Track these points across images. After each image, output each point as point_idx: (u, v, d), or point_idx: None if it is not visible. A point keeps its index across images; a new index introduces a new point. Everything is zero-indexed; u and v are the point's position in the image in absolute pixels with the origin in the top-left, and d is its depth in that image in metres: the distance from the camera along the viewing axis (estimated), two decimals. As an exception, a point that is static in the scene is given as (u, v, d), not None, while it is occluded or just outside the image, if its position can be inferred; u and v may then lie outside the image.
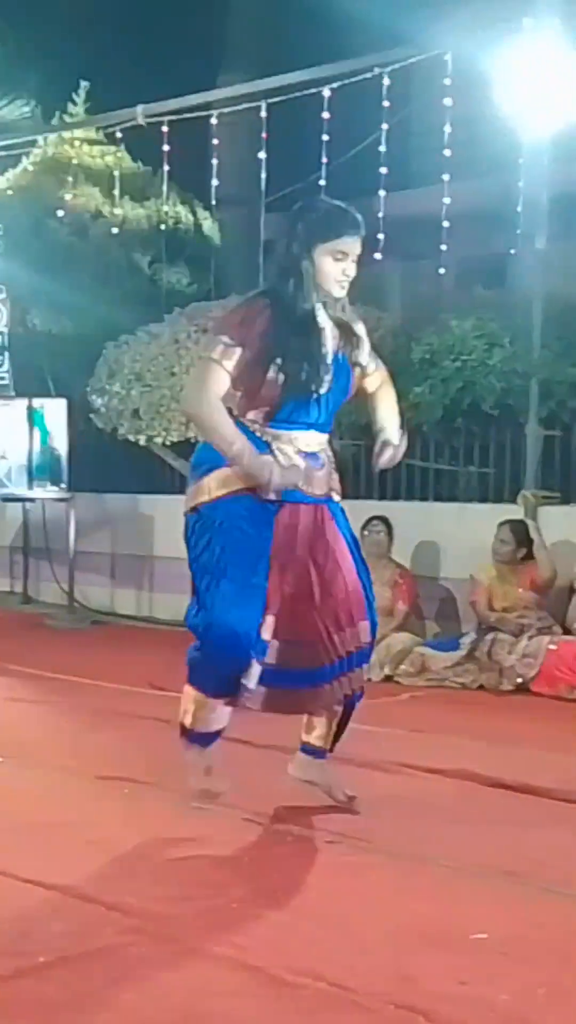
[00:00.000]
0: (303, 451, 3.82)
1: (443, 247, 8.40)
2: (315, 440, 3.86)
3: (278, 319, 3.73)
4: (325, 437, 3.92)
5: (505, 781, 4.59)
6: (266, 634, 3.81)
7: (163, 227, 9.12)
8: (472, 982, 2.76)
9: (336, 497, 3.97)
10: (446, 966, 2.85)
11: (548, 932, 3.07)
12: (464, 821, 4.17)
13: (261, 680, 3.83)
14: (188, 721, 3.94)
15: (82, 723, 5.71)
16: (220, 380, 3.73)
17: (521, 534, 7.24)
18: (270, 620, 3.81)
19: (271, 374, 3.72)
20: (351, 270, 3.78)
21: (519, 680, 6.80)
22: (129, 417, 9.05)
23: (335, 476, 3.97)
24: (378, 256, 8.50)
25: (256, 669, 3.79)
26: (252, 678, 3.79)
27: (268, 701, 3.92)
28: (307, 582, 3.86)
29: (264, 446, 3.77)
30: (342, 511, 4.00)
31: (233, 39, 11.96)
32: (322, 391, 3.78)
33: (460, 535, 7.89)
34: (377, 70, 7.93)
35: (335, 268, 3.74)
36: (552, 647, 6.79)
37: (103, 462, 9.88)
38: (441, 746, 5.31)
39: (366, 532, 7.65)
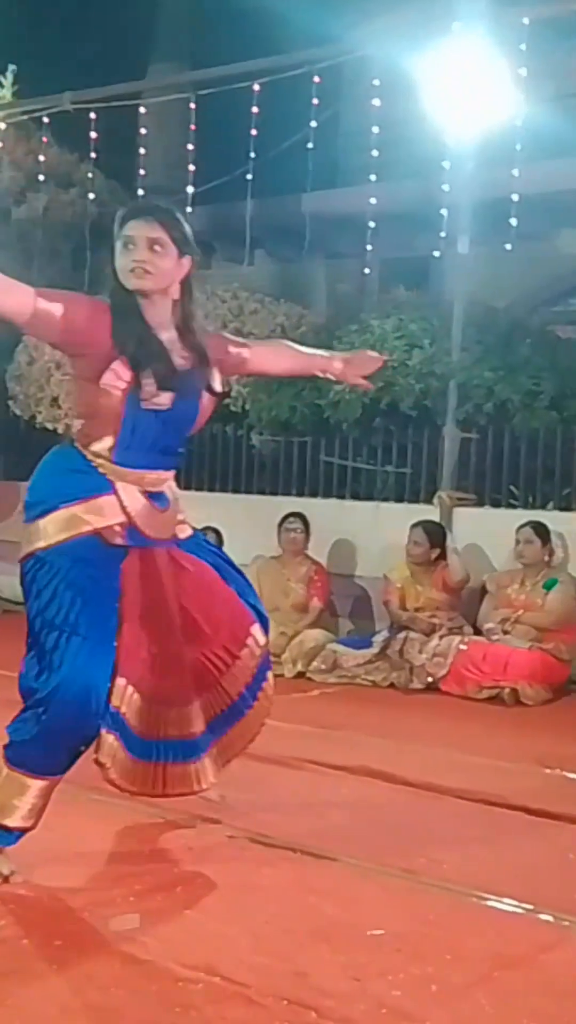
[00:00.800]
0: (149, 491, 3.48)
1: (368, 247, 8.43)
2: (162, 479, 3.53)
3: (114, 321, 3.36)
4: (171, 475, 3.60)
5: (409, 779, 4.63)
6: (115, 700, 3.42)
7: (88, 214, 9.03)
8: (365, 978, 2.78)
9: (182, 534, 3.66)
10: (340, 962, 2.87)
11: (442, 929, 3.10)
12: (365, 818, 4.19)
13: (129, 751, 3.51)
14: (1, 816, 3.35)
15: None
16: (71, 299, 3.35)
17: (435, 535, 7.29)
18: (120, 684, 3.43)
19: (107, 378, 3.33)
20: (140, 255, 3.35)
21: (429, 679, 6.86)
22: (47, 405, 8.97)
23: (180, 514, 3.66)
24: (302, 253, 8.58)
25: (110, 739, 3.42)
26: (104, 750, 3.42)
27: (132, 777, 3.58)
28: (191, 626, 3.60)
29: (107, 484, 3.41)
30: (196, 544, 3.72)
31: (165, 30, 11.89)
32: (151, 404, 3.38)
33: (375, 534, 7.93)
34: (307, 67, 7.93)
35: (123, 259, 3.36)
36: (462, 647, 6.85)
37: (20, 450, 9.77)
38: (348, 743, 5.33)
39: (283, 528, 7.67)
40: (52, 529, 3.35)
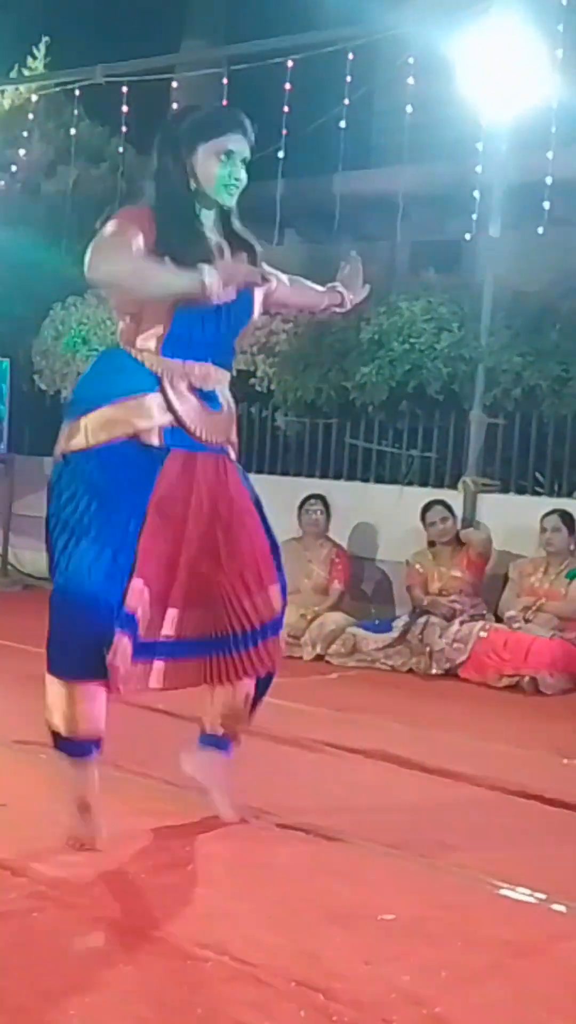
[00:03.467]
0: (198, 388, 3.37)
1: (399, 228, 8.36)
2: (213, 376, 3.41)
3: (163, 225, 3.28)
4: (225, 376, 3.48)
5: (426, 765, 4.60)
6: (132, 602, 3.26)
7: (118, 190, 8.99)
8: (375, 961, 2.75)
9: (232, 452, 3.55)
10: (351, 945, 2.84)
11: (454, 914, 3.06)
12: (381, 802, 4.17)
13: (155, 653, 3.39)
14: (57, 722, 3.32)
15: (3, 687, 5.64)
16: (134, 233, 3.22)
17: (453, 509, 7.30)
18: (137, 586, 3.26)
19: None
20: (239, 174, 3.34)
21: (448, 665, 6.82)
22: (73, 380, 8.94)
23: (234, 427, 3.55)
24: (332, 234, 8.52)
25: (124, 643, 3.25)
26: (120, 654, 3.24)
27: (168, 677, 3.45)
28: (209, 540, 3.40)
29: (154, 381, 3.31)
30: (240, 468, 3.59)
31: (199, 4, 11.82)
32: (217, 300, 3.25)
33: (398, 518, 7.89)
34: (342, 45, 7.85)
35: (221, 171, 3.31)
36: (483, 634, 6.81)
37: (44, 424, 9.75)
38: (365, 727, 5.30)
39: (304, 510, 7.64)
40: (91, 429, 3.26)
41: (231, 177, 3.33)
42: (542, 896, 3.23)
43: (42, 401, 9.54)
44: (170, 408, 3.32)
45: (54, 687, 3.31)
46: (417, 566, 7.33)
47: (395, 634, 7.06)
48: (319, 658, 7.11)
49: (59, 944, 2.76)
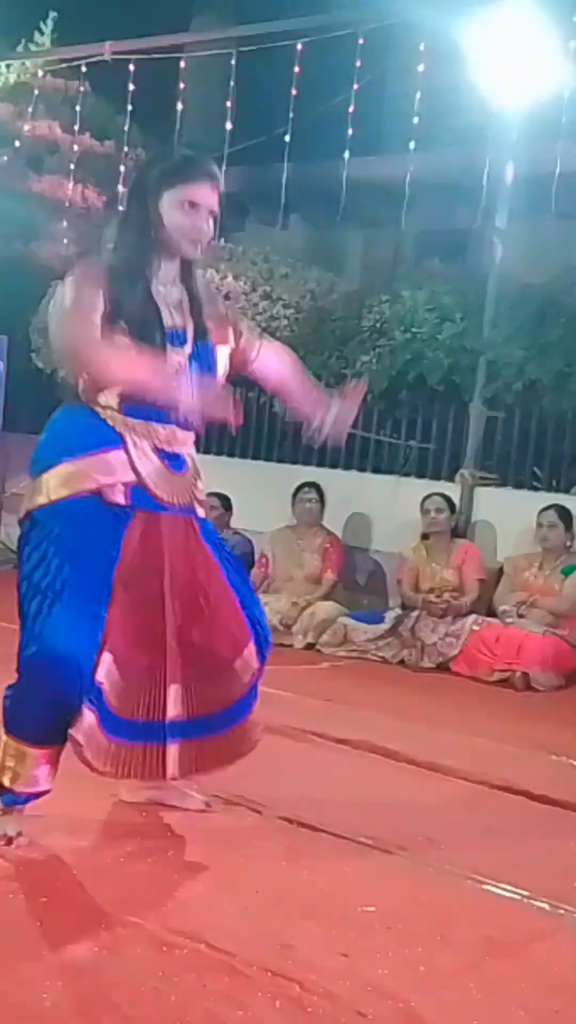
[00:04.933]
0: (162, 449, 3.27)
1: (404, 216, 8.29)
2: (178, 438, 3.31)
3: (116, 287, 3.18)
4: (189, 437, 3.37)
5: (413, 758, 4.56)
6: (100, 675, 3.16)
7: (122, 168, 8.92)
8: (352, 955, 2.71)
9: (201, 511, 3.42)
10: (329, 937, 2.81)
11: (435, 911, 3.02)
12: (365, 795, 4.13)
13: (163, 736, 3.31)
14: (9, 780, 3.21)
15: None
16: (93, 302, 3.13)
17: (452, 503, 7.24)
18: (107, 659, 3.17)
19: (120, 336, 3.15)
20: (203, 225, 3.25)
21: (440, 659, 6.78)
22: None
23: (200, 486, 3.44)
24: (338, 219, 8.45)
25: (89, 717, 3.15)
26: (82, 727, 3.15)
27: (184, 761, 3.36)
28: (194, 609, 3.33)
29: (117, 438, 3.21)
30: (209, 526, 3.47)
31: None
32: (183, 416, 3.19)
33: (394, 509, 7.84)
34: (352, 28, 7.78)
35: (184, 220, 3.21)
36: (476, 628, 6.77)
37: (40, 403, 9.67)
38: (353, 718, 5.25)
39: (297, 498, 7.59)
40: (53, 484, 3.17)
41: (194, 229, 3.24)
42: (524, 894, 3.19)
43: (39, 379, 9.46)
44: (133, 467, 3.23)
45: (12, 747, 3.21)
46: (409, 560, 7.28)
47: (387, 626, 7.01)
48: (310, 647, 7.06)
49: (32, 929, 2.72)
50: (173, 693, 3.32)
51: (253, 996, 2.47)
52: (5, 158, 9.83)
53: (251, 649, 3.43)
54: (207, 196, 3.25)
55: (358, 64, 7.89)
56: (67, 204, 9.30)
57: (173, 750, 3.34)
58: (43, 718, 3.16)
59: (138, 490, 3.24)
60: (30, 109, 9.66)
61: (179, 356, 3.27)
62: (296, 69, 8.04)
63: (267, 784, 3.94)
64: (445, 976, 2.65)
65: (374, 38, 7.97)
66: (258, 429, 8.82)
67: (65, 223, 9.53)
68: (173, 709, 3.32)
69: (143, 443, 3.25)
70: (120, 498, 3.22)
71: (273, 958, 2.64)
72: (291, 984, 2.52)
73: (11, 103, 10.08)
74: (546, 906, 3.13)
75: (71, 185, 9.30)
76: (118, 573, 3.19)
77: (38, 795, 3.27)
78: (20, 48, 10.56)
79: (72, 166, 9.47)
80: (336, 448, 8.39)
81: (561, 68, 7.26)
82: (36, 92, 9.66)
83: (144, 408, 3.23)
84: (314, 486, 7.64)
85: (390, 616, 7.09)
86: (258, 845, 3.41)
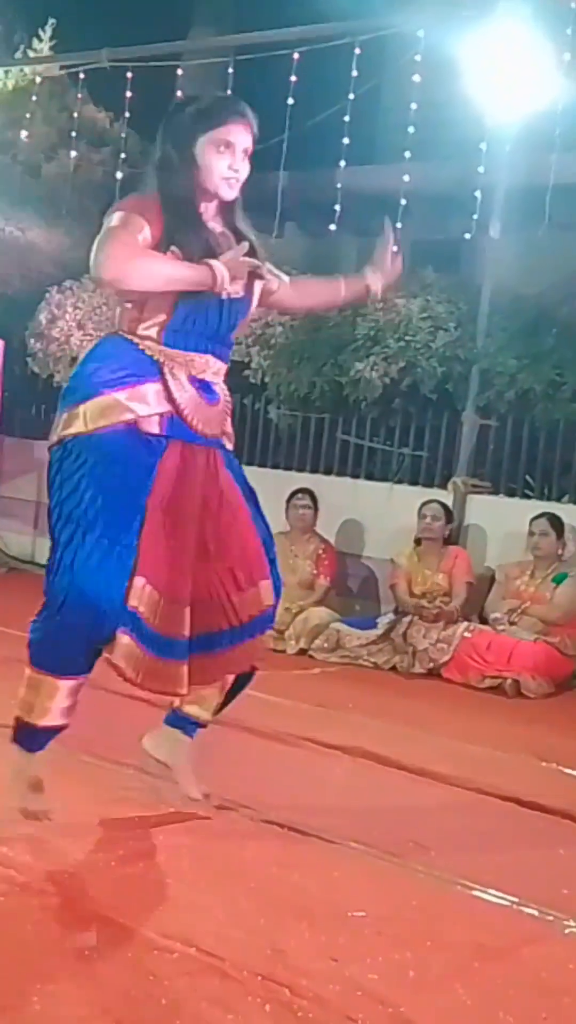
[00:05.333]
0: (197, 378, 3.34)
1: (399, 225, 8.32)
2: (211, 368, 3.38)
3: (168, 215, 3.24)
4: (223, 367, 3.44)
5: (404, 763, 4.59)
6: (133, 600, 3.23)
7: (119, 174, 8.95)
8: (342, 959, 2.74)
9: (228, 443, 3.50)
10: (319, 942, 2.83)
11: (425, 916, 3.05)
12: (356, 800, 4.17)
13: (181, 654, 3.35)
14: (25, 712, 3.30)
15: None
16: (140, 225, 3.17)
17: (448, 512, 7.29)
18: (139, 584, 3.24)
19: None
20: (239, 166, 3.32)
21: (431, 665, 6.81)
22: (67, 364, 8.91)
23: (228, 419, 3.50)
24: (333, 228, 8.47)
25: (124, 640, 3.24)
26: (120, 651, 3.24)
27: (149, 674, 3.33)
28: (198, 535, 3.36)
29: (155, 369, 3.27)
30: (234, 459, 3.53)
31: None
32: (225, 295, 3.27)
33: (387, 515, 7.88)
34: (349, 39, 7.81)
35: (219, 162, 3.28)
36: (467, 635, 6.80)
37: (36, 408, 9.73)
38: (345, 724, 5.28)
39: (291, 504, 7.62)
40: (89, 415, 3.20)
41: (229, 169, 3.30)
42: (513, 900, 3.22)
43: (35, 384, 9.51)
44: (169, 398, 3.28)
45: (36, 680, 3.29)
46: (402, 565, 7.32)
47: (379, 631, 7.05)
48: (302, 652, 7.09)
49: (23, 931, 2.74)
50: (186, 615, 3.37)
51: (243, 1000, 2.49)
52: (3, 164, 9.84)
53: (268, 584, 3.49)
54: (240, 135, 3.30)
55: (354, 74, 7.91)
56: (64, 210, 9.32)
57: (184, 669, 3.38)
58: (71, 648, 3.23)
59: (174, 420, 3.30)
60: (28, 116, 9.68)
61: (236, 286, 3.33)
62: (293, 78, 8.06)
63: (259, 789, 3.98)
64: (435, 981, 2.68)
65: (370, 48, 7.99)
66: (252, 435, 8.86)
67: (62, 229, 9.55)
68: (184, 628, 3.37)
69: (180, 373, 3.31)
70: (156, 428, 3.27)
71: (263, 962, 2.67)
72: (281, 988, 2.55)
73: (9, 110, 10.09)
74: (535, 912, 3.16)
75: (68, 191, 9.32)
76: (150, 501, 3.26)
77: (56, 730, 3.32)
78: (18, 55, 10.58)
79: (70, 172, 9.50)
80: (330, 455, 8.48)
81: (555, 80, 7.29)
82: (34, 99, 9.68)
83: (182, 336, 3.30)
84: (307, 492, 7.68)
85: (382, 622, 7.12)
86: (249, 849, 3.44)
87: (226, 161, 3.29)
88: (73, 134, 9.51)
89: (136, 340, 3.29)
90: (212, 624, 3.41)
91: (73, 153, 9.55)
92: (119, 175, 9.01)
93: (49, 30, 10.58)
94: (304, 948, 2.78)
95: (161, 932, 2.76)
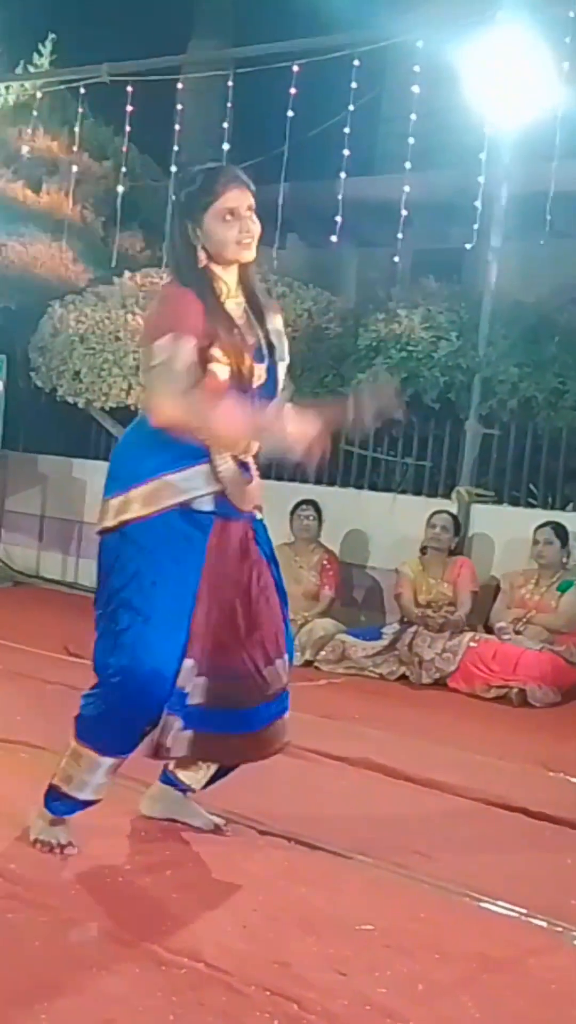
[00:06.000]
0: (239, 459, 3.41)
1: (400, 235, 8.35)
2: (251, 447, 3.45)
3: (208, 316, 3.30)
4: (256, 446, 3.48)
5: (410, 774, 4.57)
6: (182, 681, 3.32)
7: (120, 188, 8.97)
8: (350, 972, 2.73)
9: (259, 514, 3.56)
10: (326, 955, 2.82)
11: (432, 928, 3.05)
12: (363, 811, 4.15)
13: (185, 725, 3.40)
14: (64, 782, 3.36)
15: (-10, 683, 5.62)
16: (188, 358, 3.24)
17: (456, 524, 7.28)
18: (188, 665, 3.33)
19: (211, 365, 3.28)
20: (249, 226, 3.34)
21: (437, 675, 6.79)
22: (69, 378, 8.92)
23: (260, 492, 3.56)
24: (334, 239, 8.49)
25: (171, 721, 3.34)
26: (168, 732, 3.35)
27: (195, 746, 3.42)
28: (235, 610, 3.44)
29: (203, 454, 3.31)
30: (264, 528, 3.59)
31: (207, 5, 11.82)
32: (255, 383, 3.37)
33: (391, 525, 7.87)
34: (348, 50, 7.84)
35: (229, 231, 3.31)
36: (472, 644, 6.79)
37: (39, 422, 9.74)
38: (351, 735, 5.28)
39: (295, 516, 7.62)
40: (144, 499, 3.28)
41: (242, 233, 3.34)
42: (521, 911, 3.21)
43: (37, 398, 9.51)
44: (217, 478, 3.34)
45: (82, 754, 3.34)
46: (407, 575, 7.31)
47: (384, 642, 7.03)
48: (308, 664, 7.08)
49: (30, 946, 2.74)
50: (199, 683, 3.40)
51: (251, 1015, 2.49)
52: (4, 179, 9.87)
53: (285, 660, 3.55)
54: (241, 198, 3.33)
55: (354, 85, 7.94)
56: (66, 224, 9.34)
57: (187, 735, 3.41)
58: (120, 729, 3.32)
59: (219, 499, 3.37)
60: (29, 130, 9.71)
61: (261, 371, 3.41)
62: (293, 90, 8.09)
63: (265, 801, 3.97)
64: (443, 992, 2.68)
65: (370, 60, 8.02)
66: (256, 447, 8.85)
67: (64, 243, 9.57)
68: (196, 697, 3.40)
69: (224, 454, 3.36)
70: (208, 506, 3.35)
71: (271, 976, 2.66)
72: (289, 1003, 2.54)
73: (10, 124, 10.13)
74: (543, 923, 3.15)
75: (70, 205, 9.35)
76: (205, 583, 3.35)
77: (85, 804, 3.38)
78: (19, 69, 10.62)
79: (71, 186, 9.53)
80: (334, 466, 8.48)
81: (554, 89, 7.31)
82: (35, 113, 9.71)
83: None
84: (312, 503, 7.67)
85: (388, 632, 7.11)
86: (256, 862, 3.44)
87: (235, 228, 3.33)
88: (74, 148, 9.54)
89: None
90: (248, 700, 3.46)
91: (74, 167, 9.58)
92: (120, 188, 9.03)
93: (49, 45, 10.62)
94: (311, 961, 2.77)
95: (167, 947, 2.76)
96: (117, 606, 3.28)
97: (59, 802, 3.38)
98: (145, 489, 3.28)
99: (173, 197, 3.48)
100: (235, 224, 3.32)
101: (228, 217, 3.31)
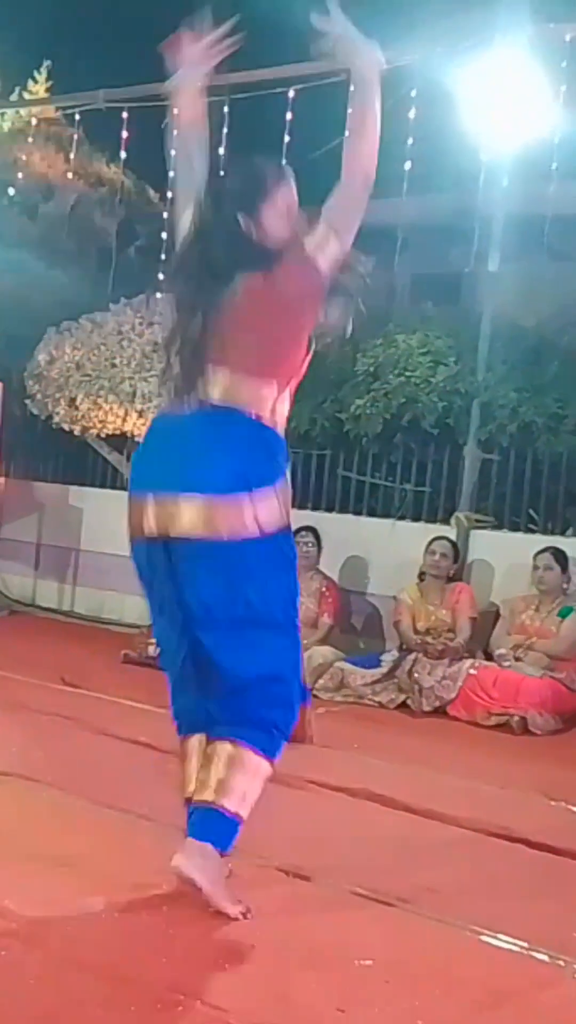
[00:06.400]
0: None
1: (397, 259, 8.33)
2: None
3: None
4: None
5: (410, 805, 4.51)
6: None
7: (116, 214, 8.98)
8: (351, 1008, 2.66)
9: None
10: (326, 990, 2.76)
11: (432, 961, 2.98)
12: (363, 843, 4.08)
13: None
14: (243, 807, 3.16)
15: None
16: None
17: (456, 551, 7.23)
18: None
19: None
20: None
21: (437, 702, 6.72)
22: (65, 405, 8.88)
23: None
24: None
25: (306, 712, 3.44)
26: (308, 720, 3.46)
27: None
28: None
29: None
30: None
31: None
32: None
33: (390, 551, 7.82)
34: (344, 75, 7.82)
35: (287, 226, 3.31)
36: (472, 671, 6.72)
37: (35, 449, 9.71)
38: (350, 764, 5.21)
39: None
40: (284, 511, 3.19)
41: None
42: (523, 944, 3.14)
43: (34, 426, 9.47)
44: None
45: (264, 771, 3.24)
46: (405, 601, 7.25)
47: (383, 669, 6.97)
48: (306, 692, 7.00)
49: (25, 985, 2.67)
50: None
51: (250, 1053, 2.42)
52: (2, 205, 9.88)
53: None
54: (292, 195, 3.41)
55: (350, 111, 7.92)
56: (62, 250, 9.34)
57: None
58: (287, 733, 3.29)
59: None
60: (24, 157, 9.72)
61: None
62: (288, 115, 8.09)
63: (264, 833, 3.87)
64: (444, 1030, 2.60)
65: (366, 84, 8.00)
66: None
67: (60, 269, 9.56)
68: None
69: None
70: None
71: (270, 1013, 2.60)
72: (288, 1041, 2.47)
73: (5, 151, 10.14)
74: (546, 957, 3.08)
75: (66, 231, 9.35)
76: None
77: (242, 820, 3.17)
78: (14, 96, 10.65)
79: (67, 212, 9.54)
80: (332, 492, 8.44)
81: (551, 111, 7.30)
82: (30, 140, 9.72)
83: None
84: (311, 530, 7.62)
85: (387, 659, 7.04)
86: (254, 896, 3.35)
87: (286, 223, 3.32)
88: (70, 175, 9.55)
89: (271, 423, 3.25)
90: None
91: (71, 193, 9.58)
92: (117, 215, 9.02)
93: (44, 71, 10.66)
94: (311, 997, 2.71)
95: (165, 984, 2.69)
96: (276, 604, 3.21)
97: (232, 831, 3.16)
98: (284, 498, 3.21)
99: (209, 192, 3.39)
100: (287, 220, 3.30)
101: (287, 212, 3.31)
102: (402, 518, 8.17)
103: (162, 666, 3.39)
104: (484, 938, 3.17)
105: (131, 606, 7.93)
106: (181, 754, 3.34)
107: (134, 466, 3.32)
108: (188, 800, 3.23)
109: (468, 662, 6.81)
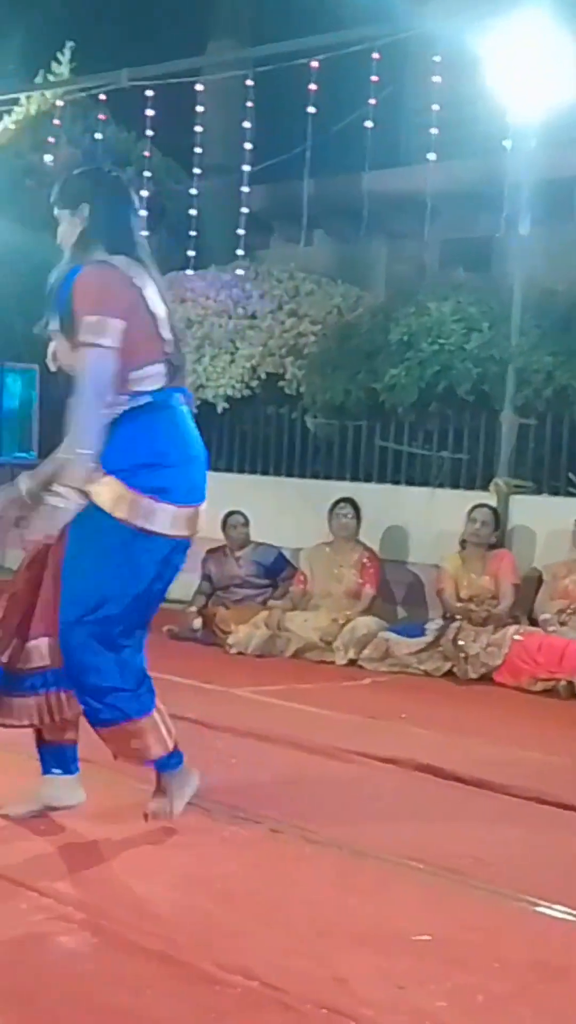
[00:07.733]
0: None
1: (427, 227, 8.29)
2: None
3: None
4: None
5: (459, 774, 4.51)
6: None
7: (144, 193, 8.95)
8: (407, 986, 2.67)
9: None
10: (381, 968, 2.76)
11: (488, 935, 2.98)
12: (413, 815, 4.09)
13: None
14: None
15: None
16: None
17: (496, 518, 7.21)
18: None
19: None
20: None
21: (483, 669, 6.73)
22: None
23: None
24: (361, 232, 8.44)
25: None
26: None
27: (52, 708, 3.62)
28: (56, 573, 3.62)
29: None
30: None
31: (224, 6, 11.78)
32: None
33: (429, 520, 7.82)
34: (367, 44, 7.77)
35: None
36: (517, 637, 6.72)
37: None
38: (397, 735, 5.23)
39: (334, 514, 7.57)
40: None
41: None
42: (577, 914, 3.14)
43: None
44: None
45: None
46: (447, 570, 7.25)
47: (428, 638, 6.98)
48: (351, 663, 7.04)
49: (81, 968, 2.70)
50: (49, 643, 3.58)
51: (308, 1033, 2.44)
52: (30, 188, 9.87)
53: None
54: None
55: (374, 79, 7.89)
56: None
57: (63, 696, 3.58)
58: None
59: None
60: (51, 139, 9.70)
61: None
62: (313, 87, 8.05)
63: (311, 807, 3.92)
64: (505, 1003, 2.61)
65: (389, 52, 7.96)
66: (290, 446, 8.82)
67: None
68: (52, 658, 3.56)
69: None
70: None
71: (326, 992, 2.60)
72: (346, 1020, 2.48)
73: (32, 134, 10.13)
74: (601, 926, 3.09)
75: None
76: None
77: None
78: (39, 79, 10.62)
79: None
80: (370, 462, 8.43)
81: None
82: (56, 122, 9.70)
83: None
84: (349, 501, 7.62)
85: (431, 628, 7.05)
86: (304, 872, 3.39)
87: None
88: (97, 155, 9.52)
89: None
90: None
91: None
92: (145, 193, 9.00)
93: (68, 53, 10.62)
94: (368, 975, 2.71)
95: (219, 965, 2.70)
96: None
97: None
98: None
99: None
100: None
101: None
102: (440, 486, 8.16)
103: (132, 646, 3.59)
104: (539, 908, 3.18)
105: (175, 583, 7.95)
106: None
107: (188, 472, 3.62)
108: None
109: (512, 628, 6.80)
